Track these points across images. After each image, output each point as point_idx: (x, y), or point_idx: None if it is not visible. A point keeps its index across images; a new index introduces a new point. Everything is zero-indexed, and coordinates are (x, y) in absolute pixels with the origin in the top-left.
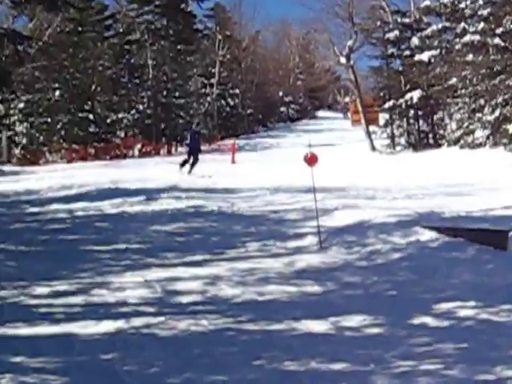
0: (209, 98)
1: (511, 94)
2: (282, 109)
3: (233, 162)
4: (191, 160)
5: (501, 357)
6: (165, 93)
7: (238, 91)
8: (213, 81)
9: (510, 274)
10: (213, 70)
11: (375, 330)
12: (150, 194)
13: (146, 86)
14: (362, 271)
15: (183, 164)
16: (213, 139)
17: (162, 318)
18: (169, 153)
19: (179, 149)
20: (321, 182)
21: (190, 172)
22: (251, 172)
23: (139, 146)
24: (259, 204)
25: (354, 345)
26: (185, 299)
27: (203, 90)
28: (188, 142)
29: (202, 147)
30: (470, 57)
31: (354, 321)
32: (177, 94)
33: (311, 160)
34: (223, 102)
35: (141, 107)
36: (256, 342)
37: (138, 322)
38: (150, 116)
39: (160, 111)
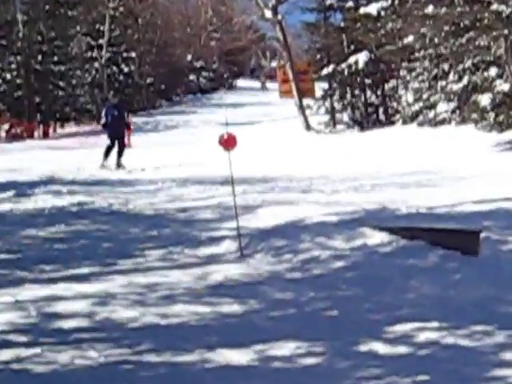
0: (97, 64)
1: (482, 57)
2: (192, 77)
3: (128, 145)
4: (116, 147)
5: None
6: (40, 57)
7: (133, 55)
8: (101, 41)
9: (482, 286)
10: (101, 28)
11: (312, 361)
12: (22, 189)
13: (15, 49)
14: (294, 285)
15: (107, 152)
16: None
17: (37, 350)
18: (45, 135)
19: (59, 130)
20: (241, 171)
21: (118, 165)
22: (152, 159)
23: (6, 126)
24: (162, 200)
25: (285, 379)
26: (67, 324)
27: (89, 54)
28: (104, 121)
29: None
30: (429, 9)
31: (284, 349)
32: (55, 58)
33: (228, 143)
34: (115, 68)
35: (8, 76)
36: (160, 377)
37: (6, 354)
38: (20, 87)
39: (33, 81)
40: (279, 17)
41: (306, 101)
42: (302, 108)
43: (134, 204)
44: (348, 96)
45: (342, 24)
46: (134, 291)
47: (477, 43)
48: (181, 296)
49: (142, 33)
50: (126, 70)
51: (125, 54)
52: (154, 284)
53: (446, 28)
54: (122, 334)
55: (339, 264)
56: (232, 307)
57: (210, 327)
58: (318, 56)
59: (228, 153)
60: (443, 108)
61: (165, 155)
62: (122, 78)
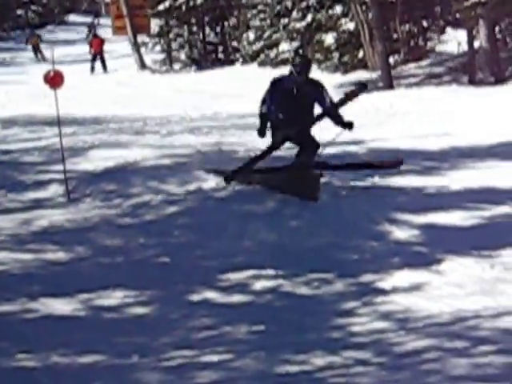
0: None
1: None
2: (19, 11)
3: None
4: None
5: (299, 341)
6: None
7: None
8: None
9: (321, 232)
10: None
11: (141, 311)
12: None
13: None
14: (124, 231)
15: None
16: None
17: None
18: None
19: None
20: (71, 112)
21: None
22: None
23: None
24: None
25: (112, 330)
26: None
27: None
28: None
29: None
30: None
31: (112, 298)
32: None
33: (54, 80)
34: None
35: None
36: None
37: None
38: None
39: None
40: None
41: (141, 38)
42: (136, 45)
43: None
44: (186, 34)
45: None
46: None
47: None
48: (2, 243)
49: None
50: None
51: None
52: None
53: None
54: None
55: (172, 209)
56: (57, 254)
57: (32, 275)
58: None
59: (55, 91)
60: (285, 47)
61: None
62: None
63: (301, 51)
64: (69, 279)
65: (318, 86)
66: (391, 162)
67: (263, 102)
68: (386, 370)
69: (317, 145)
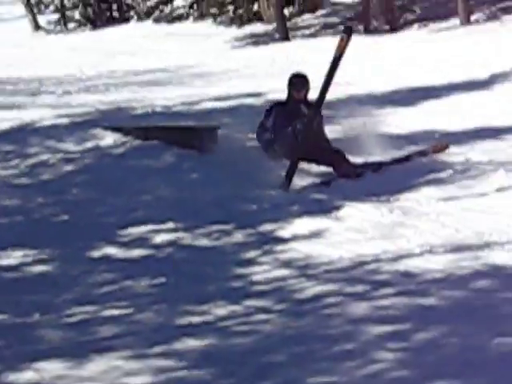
0: None
1: None
2: None
3: None
4: None
5: (200, 292)
6: None
7: None
8: None
9: (220, 185)
10: None
11: (41, 269)
12: None
13: None
14: (22, 191)
15: None
16: None
17: None
18: None
19: None
20: None
21: None
22: None
23: None
24: None
25: (12, 289)
26: None
27: None
28: None
29: None
30: None
31: (11, 258)
32: None
33: None
34: None
35: None
36: None
37: None
38: None
39: None
40: None
41: None
42: (29, 6)
43: None
44: None
45: None
46: None
47: None
48: None
49: None
50: None
51: None
52: None
53: None
54: None
55: (70, 168)
56: None
57: None
58: None
59: None
60: (180, 3)
61: None
62: None
63: None
64: None
65: None
66: (440, 145)
67: None
68: (287, 316)
69: None
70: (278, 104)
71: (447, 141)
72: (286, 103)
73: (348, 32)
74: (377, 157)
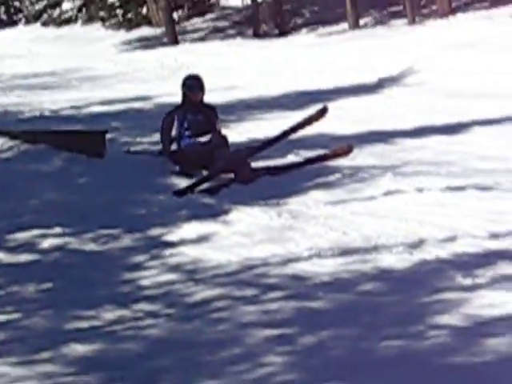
0: None
1: None
2: None
3: None
4: None
5: (88, 297)
6: None
7: None
8: None
9: (109, 189)
10: None
11: None
12: None
13: None
14: None
15: None
16: None
17: None
18: None
19: None
20: None
21: None
22: None
23: None
24: None
25: None
26: None
27: None
28: None
29: None
30: None
31: None
32: None
33: None
34: None
35: None
36: None
37: None
38: None
39: None
40: None
41: None
42: None
43: None
44: None
45: None
46: None
47: None
48: None
49: None
50: None
51: None
52: None
53: None
54: None
55: None
56: None
57: None
58: None
59: None
60: (69, 6)
61: None
62: None
63: None
64: None
65: None
66: (342, 149)
67: None
68: (175, 320)
69: None
70: (176, 108)
71: (351, 144)
72: (182, 106)
73: (323, 111)
74: (274, 161)
